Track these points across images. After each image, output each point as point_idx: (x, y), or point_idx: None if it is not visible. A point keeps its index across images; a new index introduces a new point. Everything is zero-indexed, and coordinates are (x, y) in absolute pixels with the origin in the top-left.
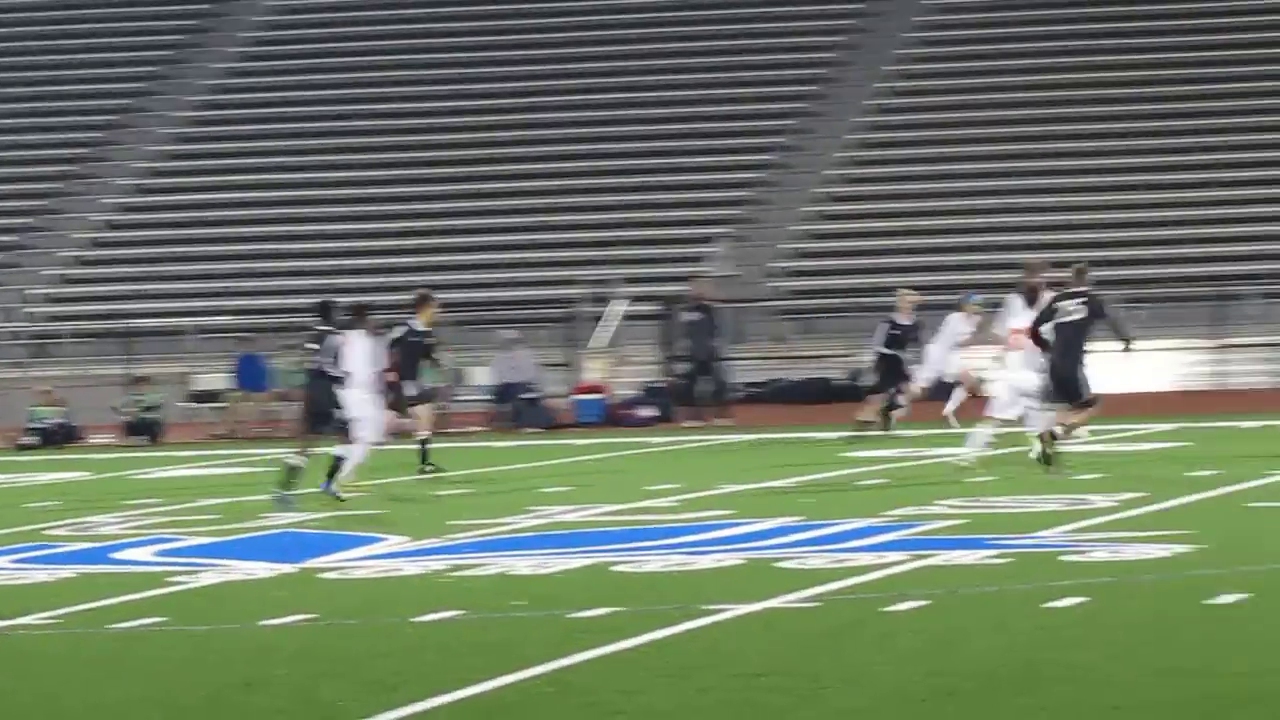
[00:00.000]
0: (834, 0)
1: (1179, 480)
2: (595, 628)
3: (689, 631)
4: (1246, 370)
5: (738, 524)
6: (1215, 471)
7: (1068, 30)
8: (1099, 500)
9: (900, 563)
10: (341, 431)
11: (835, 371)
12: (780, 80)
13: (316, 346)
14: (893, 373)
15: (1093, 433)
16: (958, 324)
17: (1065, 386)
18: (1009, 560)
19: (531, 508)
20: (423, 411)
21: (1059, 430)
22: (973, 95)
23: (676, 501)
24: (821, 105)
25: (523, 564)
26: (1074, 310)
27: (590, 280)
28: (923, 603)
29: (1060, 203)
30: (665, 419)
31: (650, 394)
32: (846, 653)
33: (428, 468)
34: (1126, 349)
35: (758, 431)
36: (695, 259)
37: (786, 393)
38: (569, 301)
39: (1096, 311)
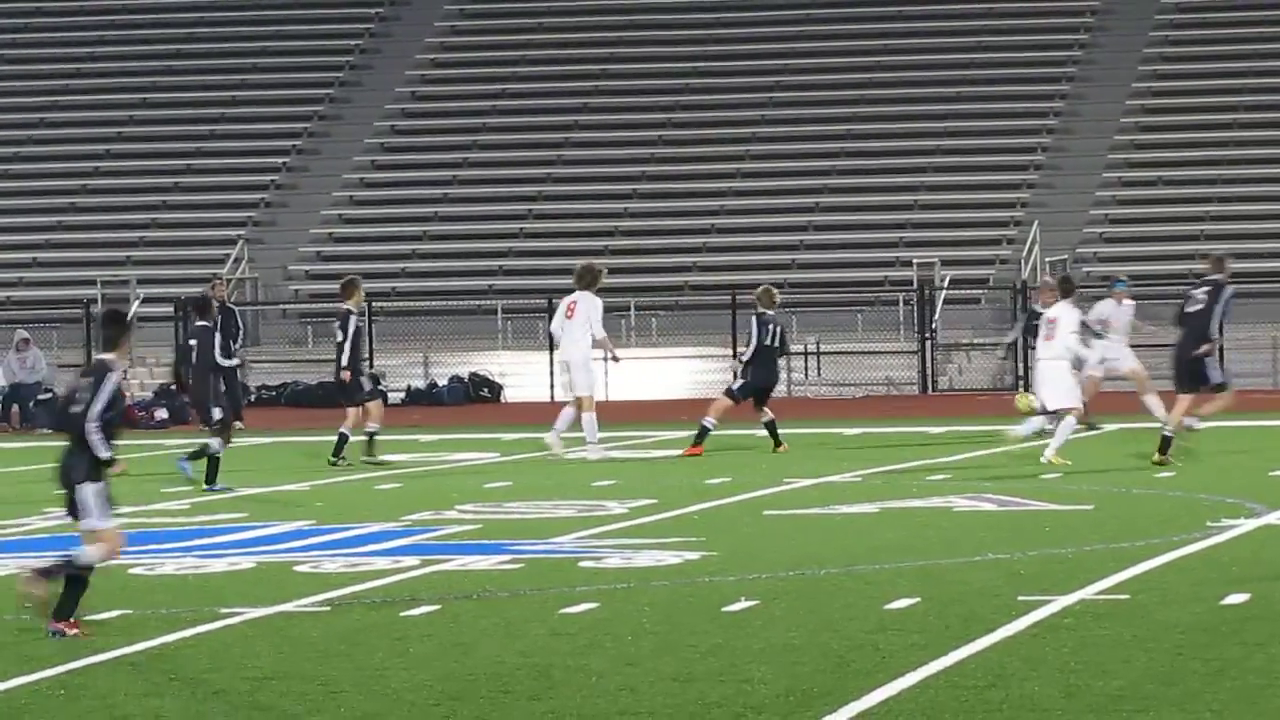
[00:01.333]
0: (353, 4)
1: (693, 487)
2: (107, 631)
3: (201, 635)
4: None
5: (251, 528)
6: (729, 479)
7: (600, 21)
8: (613, 506)
9: (414, 568)
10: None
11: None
12: (299, 83)
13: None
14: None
15: (606, 444)
16: (1120, 312)
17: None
18: (523, 566)
19: (46, 510)
20: None
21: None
22: (492, 101)
23: (189, 504)
24: (341, 108)
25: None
26: (1200, 299)
27: (108, 280)
28: (436, 607)
29: (593, 209)
30: (179, 421)
31: (161, 396)
32: (360, 657)
33: None
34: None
35: (272, 435)
36: (215, 261)
37: (302, 396)
38: (86, 302)
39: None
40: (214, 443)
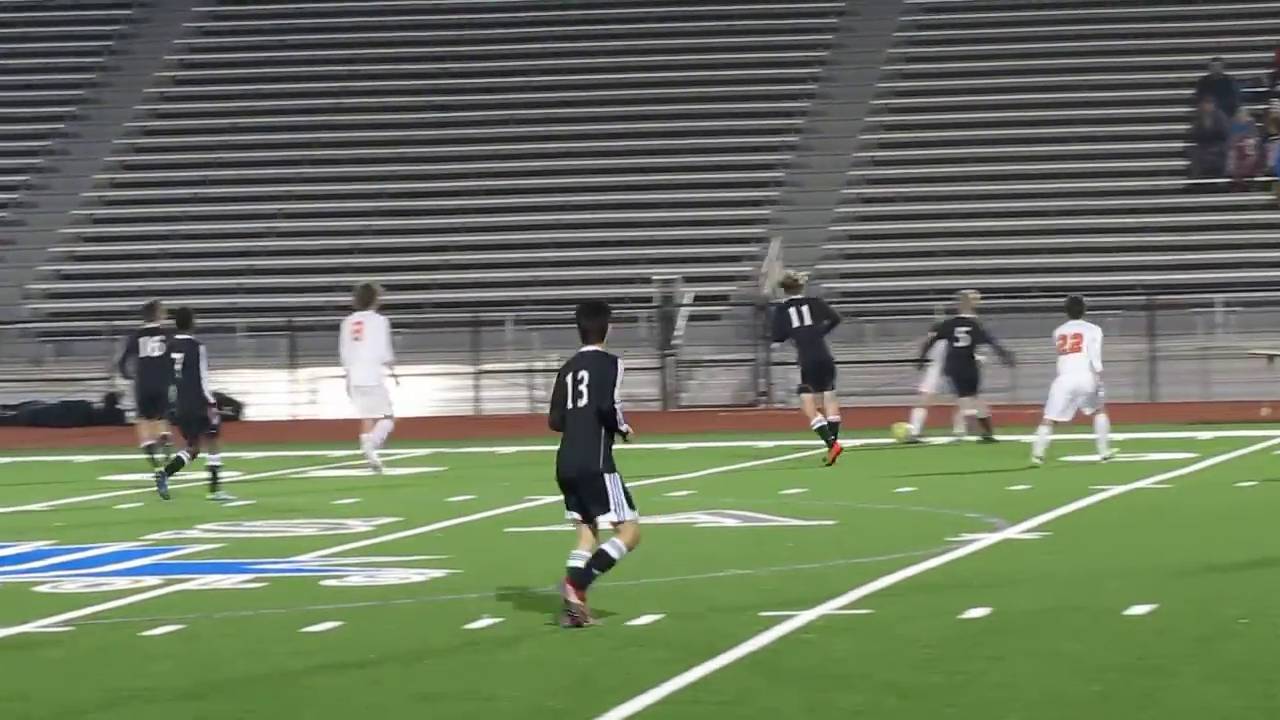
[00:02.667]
0: (93, 22)
1: (436, 505)
2: None
3: None
4: (501, 396)
5: None
6: (472, 496)
7: (349, 24)
8: (356, 525)
9: (156, 587)
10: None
11: (93, 395)
12: (38, 100)
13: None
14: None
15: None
16: None
17: None
18: (266, 585)
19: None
20: None
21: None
22: (233, 119)
23: None
24: (81, 126)
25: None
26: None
27: None
28: (179, 627)
29: (334, 227)
30: None
31: None
32: (102, 678)
33: None
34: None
35: (11, 454)
36: None
37: (41, 416)
38: None
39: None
40: None
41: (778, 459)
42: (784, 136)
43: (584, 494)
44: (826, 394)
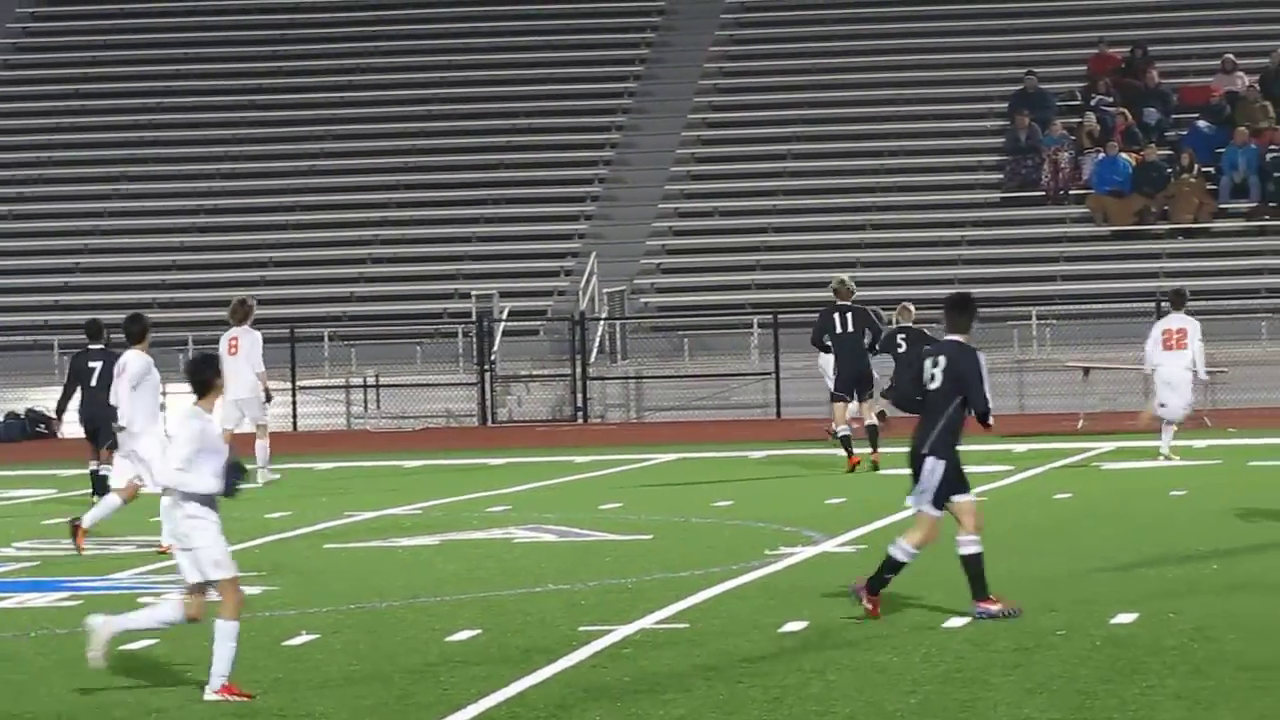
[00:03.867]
0: None
1: (254, 521)
2: None
3: None
4: (319, 412)
5: None
6: (290, 512)
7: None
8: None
9: None
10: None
11: None
12: None
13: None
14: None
15: None
16: None
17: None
18: (82, 602)
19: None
20: None
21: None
22: (49, 135)
23: None
24: None
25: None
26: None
27: None
28: None
29: (149, 244)
30: None
31: None
32: None
33: None
34: None
35: None
36: None
37: None
38: None
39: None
40: None
41: (595, 473)
42: (600, 151)
43: (913, 470)
44: (865, 404)
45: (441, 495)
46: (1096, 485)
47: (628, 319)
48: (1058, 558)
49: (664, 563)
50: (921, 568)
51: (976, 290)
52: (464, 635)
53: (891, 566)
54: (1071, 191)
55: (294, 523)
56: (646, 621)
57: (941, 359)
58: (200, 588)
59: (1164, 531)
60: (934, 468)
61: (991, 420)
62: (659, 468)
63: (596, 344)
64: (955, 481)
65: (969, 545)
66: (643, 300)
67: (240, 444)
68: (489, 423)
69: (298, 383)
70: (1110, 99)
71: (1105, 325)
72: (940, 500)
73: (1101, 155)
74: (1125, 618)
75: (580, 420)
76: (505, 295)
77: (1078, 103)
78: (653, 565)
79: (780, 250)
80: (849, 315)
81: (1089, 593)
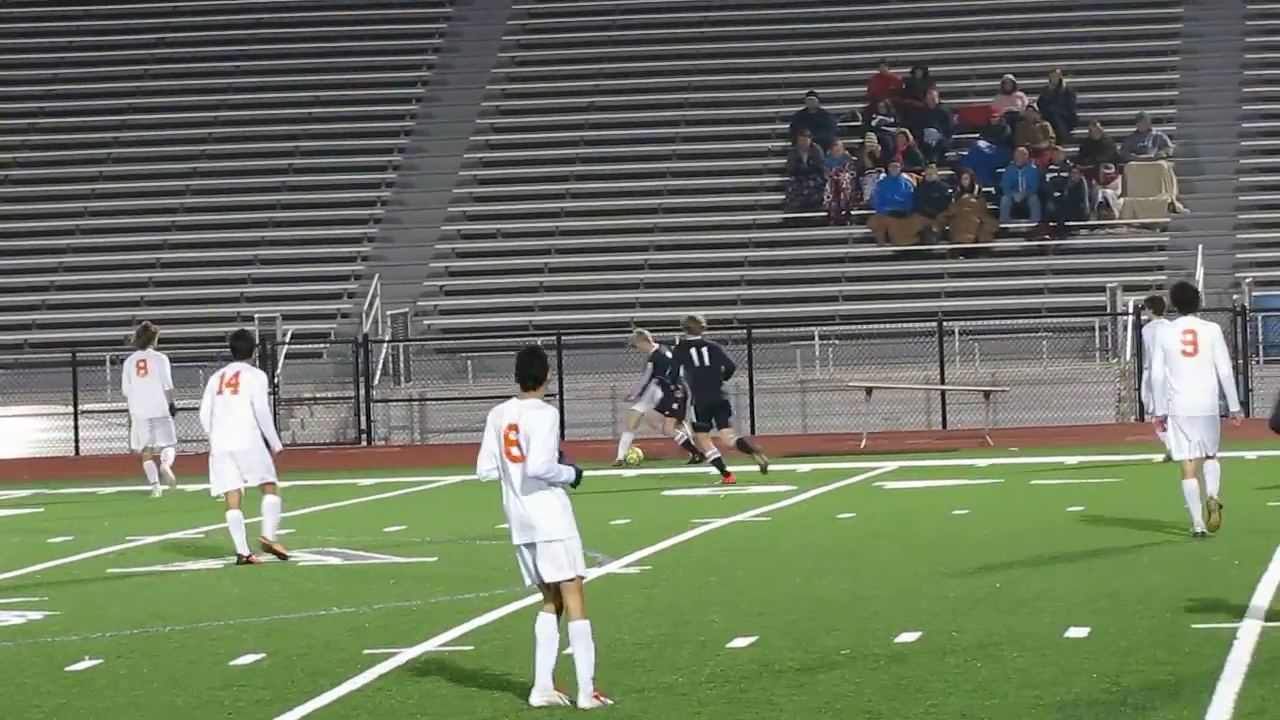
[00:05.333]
0: None
1: (35, 547)
2: None
3: None
4: (100, 436)
5: None
6: (71, 537)
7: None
8: None
9: None
10: None
11: None
12: None
13: None
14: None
15: None
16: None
17: None
18: None
19: None
20: None
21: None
22: None
23: None
24: None
25: None
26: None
27: None
28: None
29: None
30: None
31: None
32: None
33: None
34: None
35: None
36: None
37: None
38: None
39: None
40: None
41: (380, 496)
42: (382, 173)
43: None
44: (725, 431)
45: (221, 520)
46: (879, 505)
47: (411, 341)
48: (841, 577)
49: (449, 585)
50: (703, 585)
51: (759, 311)
52: (248, 659)
53: None
54: (853, 212)
55: (76, 547)
56: (431, 644)
57: None
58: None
59: (946, 550)
60: None
61: None
62: (443, 490)
63: (380, 366)
64: None
65: None
66: (426, 322)
67: (134, 465)
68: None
69: (80, 407)
70: (891, 119)
71: (888, 345)
72: None
73: (883, 175)
74: (909, 636)
75: (364, 443)
76: (288, 318)
77: (859, 123)
78: (438, 588)
79: (564, 271)
80: (704, 350)
81: (872, 612)
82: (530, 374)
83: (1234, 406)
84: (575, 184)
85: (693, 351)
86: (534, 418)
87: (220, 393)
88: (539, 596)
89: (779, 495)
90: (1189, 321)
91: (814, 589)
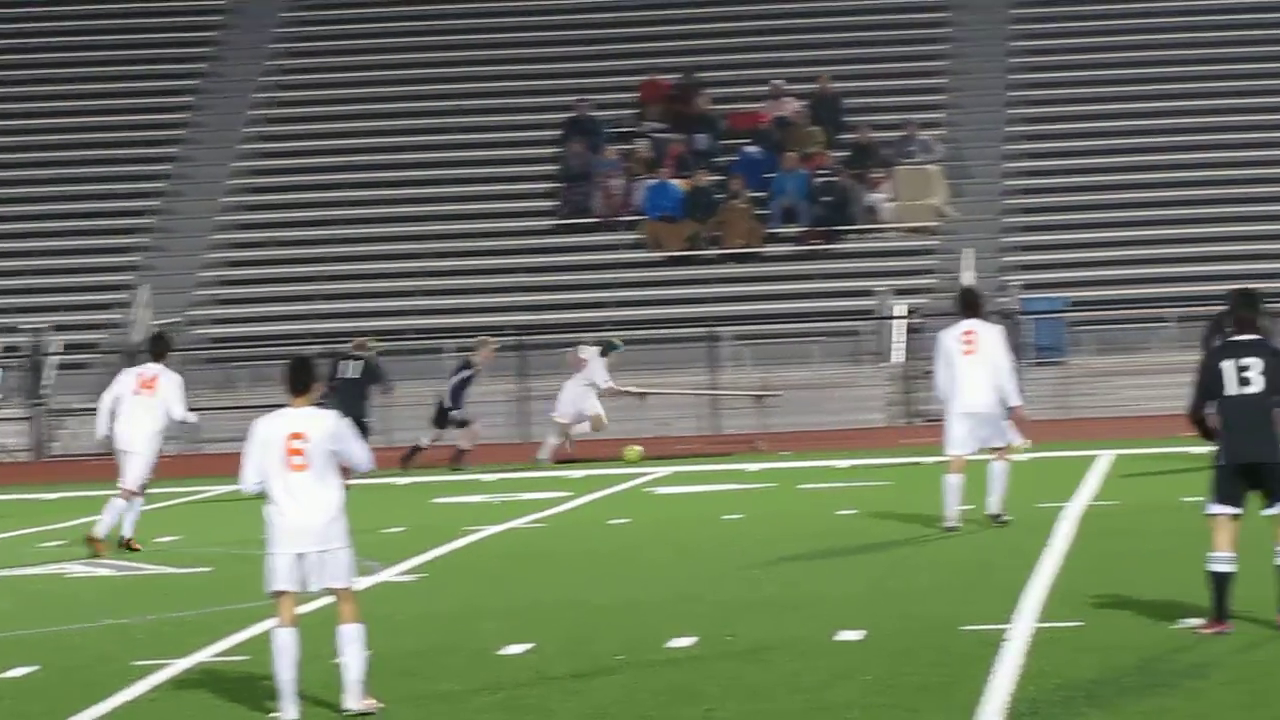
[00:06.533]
0: None
1: None
2: None
3: None
4: None
5: None
6: None
7: None
8: None
9: None
10: None
11: None
12: None
13: None
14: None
15: None
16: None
17: None
18: None
19: None
20: None
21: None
22: None
23: None
24: None
25: None
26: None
27: None
28: None
29: None
30: None
31: None
32: None
33: None
34: None
35: None
36: None
37: None
38: None
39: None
40: None
41: (153, 506)
42: (152, 182)
43: (1267, 481)
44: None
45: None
46: (652, 510)
47: (183, 350)
48: (616, 583)
49: (224, 595)
50: (477, 593)
51: (530, 318)
52: (20, 672)
53: None
54: (624, 218)
55: None
56: (205, 654)
57: (1253, 361)
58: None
59: (720, 555)
60: None
61: None
62: (218, 499)
63: None
64: None
65: None
66: (198, 331)
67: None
68: (42, 457)
69: None
70: (662, 125)
71: (660, 351)
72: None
73: (653, 181)
74: (683, 641)
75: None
76: (58, 328)
77: (629, 129)
78: (212, 598)
79: (338, 280)
80: (358, 364)
81: (648, 617)
82: (302, 381)
83: (1013, 400)
84: (347, 191)
85: (342, 363)
86: (324, 424)
87: (137, 393)
88: (318, 604)
89: (553, 501)
90: (970, 323)
91: (588, 595)
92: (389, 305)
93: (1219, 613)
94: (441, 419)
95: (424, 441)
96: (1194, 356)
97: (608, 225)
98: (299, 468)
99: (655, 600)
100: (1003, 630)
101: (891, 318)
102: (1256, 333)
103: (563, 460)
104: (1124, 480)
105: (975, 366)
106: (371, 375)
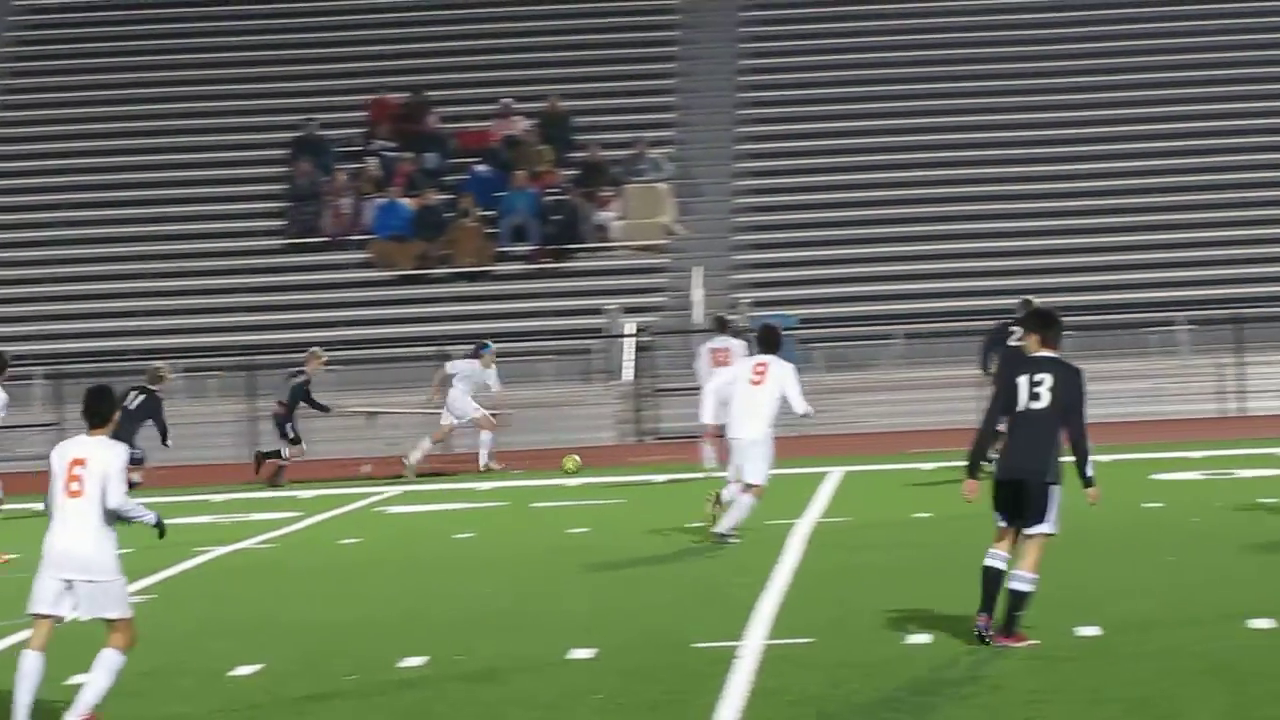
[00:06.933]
0: None
1: None
2: None
3: None
4: None
5: None
6: None
7: None
8: None
9: None
10: None
11: None
12: None
13: None
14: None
15: None
16: (479, 372)
17: None
18: None
19: None
20: None
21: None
22: None
23: None
24: None
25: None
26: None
27: None
28: None
29: None
30: None
31: None
32: None
33: None
34: None
35: None
36: None
37: None
38: None
39: None
40: None
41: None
42: None
43: (1026, 500)
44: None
45: None
46: (383, 529)
47: None
48: (347, 602)
49: None
50: (207, 613)
51: (260, 338)
52: None
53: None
54: (354, 237)
55: None
56: None
57: (1046, 378)
58: None
59: (451, 573)
60: (1057, 493)
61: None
62: None
63: None
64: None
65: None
66: None
67: None
68: None
69: None
70: (391, 144)
71: (389, 370)
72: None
73: (383, 201)
74: (414, 660)
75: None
76: None
77: (358, 148)
78: None
79: (67, 300)
80: (140, 397)
81: (379, 636)
82: (98, 412)
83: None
84: (73, 213)
85: (133, 394)
86: (106, 455)
87: None
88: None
89: (283, 522)
90: (764, 357)
91: (319, 614)
92: (116, 326)
93: (984, 606)
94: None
95: (285, 453)
96: (923, 373)
97: (337, 244)
98: (75, 494)
99: (387, 620)
100: (734, 647)
101: (622, 336)
102: (1053, 350)
103: (424, 473)
104: (853, 496)
105: (760, 397)
106: (147, 411)
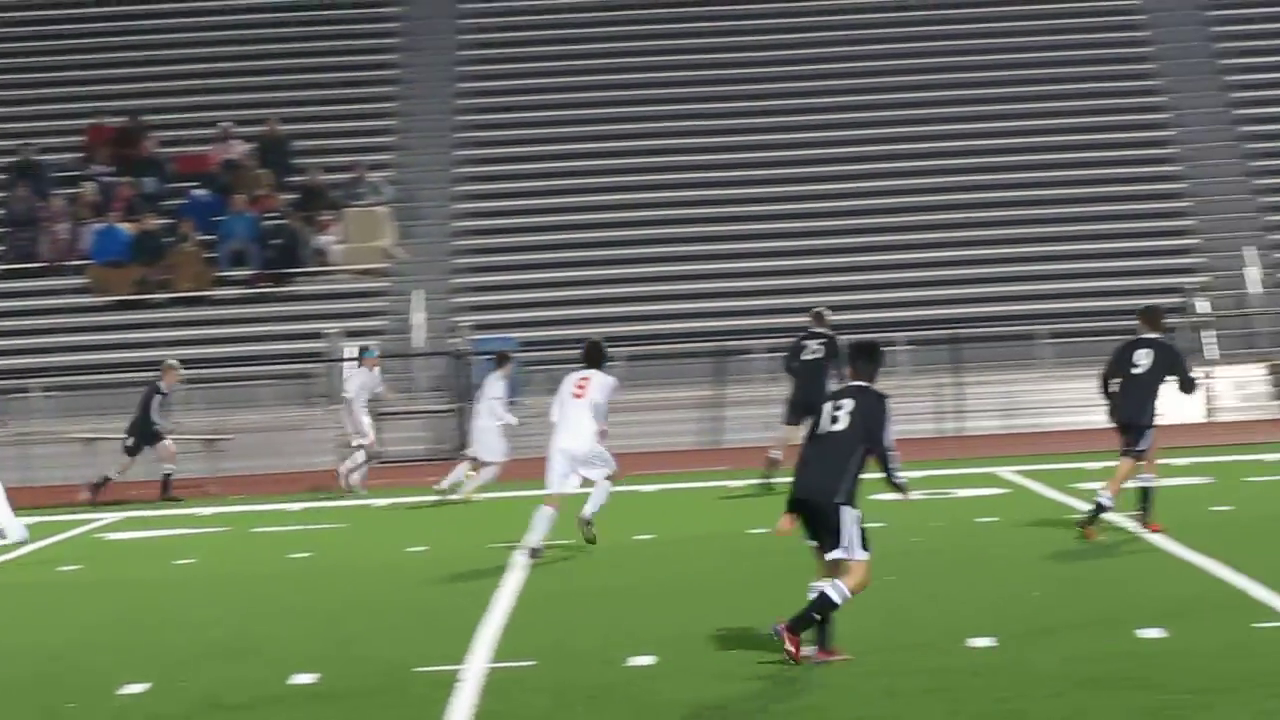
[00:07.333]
0: None
1: None
2: None
3: None
4: None
5: None
6: None
7: None
8: None
9: None
10: None
11: None
12: None
13: None
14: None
15: None
16: (366, 379)
17: None
18: None
19: None
20: None
21: None
22: None
23: None
24: None
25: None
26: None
27: None
28: None
29: None
30: None
31: None
32: None
33: None
34: None
35: None
36: None
37: None
38: None
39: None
40: None
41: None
42: None
43: (818, 521)
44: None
45: None
46: (103, 555)
47: None
48: (65, 629)
49: None
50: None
51: None
52: None
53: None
54: (72, 263)
55: None
56: None
57: (849, 403)
58: None
59: (171, 600)
60: (851, 515)
61: (900, 479)
62: None
63: None
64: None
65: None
66: None
67: None
68: None
69: None
70: (109, 169)
71: (108, 396)
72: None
73: (101, 226)
74: (136, 688)
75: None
76: None
77: (76, 173)
78: None
79: None
80: None
81: (98, 663)
82: None
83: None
84: None
85: None
86: None
87: None
88: None
89: (1, 549)
90: (586, 371)
91: (37, 640)
92: None
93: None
94: (134, 449)
95: (113, 473)
96: (645, 395)
97: (54, 270)
98: None
99: (106, 646)
100: (456, 671)
101: (343, 360)
102: (869, 380)
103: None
104: (571, 520)
105: (582, 409)
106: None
